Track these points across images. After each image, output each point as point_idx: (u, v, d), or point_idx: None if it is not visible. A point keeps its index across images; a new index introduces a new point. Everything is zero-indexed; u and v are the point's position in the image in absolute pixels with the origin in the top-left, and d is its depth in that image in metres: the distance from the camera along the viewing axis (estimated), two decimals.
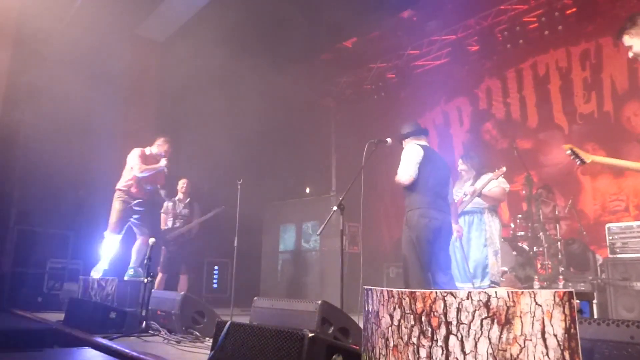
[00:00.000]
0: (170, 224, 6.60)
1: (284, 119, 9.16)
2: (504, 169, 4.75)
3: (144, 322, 3.99)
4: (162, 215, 6.67)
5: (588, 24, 7.01)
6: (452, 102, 9.11)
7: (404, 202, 4.15)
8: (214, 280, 8.85)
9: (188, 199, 6.71)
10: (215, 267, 8.93)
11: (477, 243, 4.71)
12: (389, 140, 4.22)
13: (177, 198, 6.71)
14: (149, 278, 4.17)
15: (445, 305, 1.80)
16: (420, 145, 4.14)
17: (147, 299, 4.09)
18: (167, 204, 6.69)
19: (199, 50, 7.26)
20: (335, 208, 3.80)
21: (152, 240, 4.30)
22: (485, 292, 1.72)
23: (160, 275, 6.37)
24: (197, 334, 3.91)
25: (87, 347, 3.43)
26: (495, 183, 4.76)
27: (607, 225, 5.30)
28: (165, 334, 3.89)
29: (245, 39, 7.42)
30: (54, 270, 6.73)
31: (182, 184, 6.73)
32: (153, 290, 4.28)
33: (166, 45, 8.31)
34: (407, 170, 3.99)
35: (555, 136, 7.59)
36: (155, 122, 8.12)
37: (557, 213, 6.27)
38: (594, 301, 5.14)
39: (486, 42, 8.04)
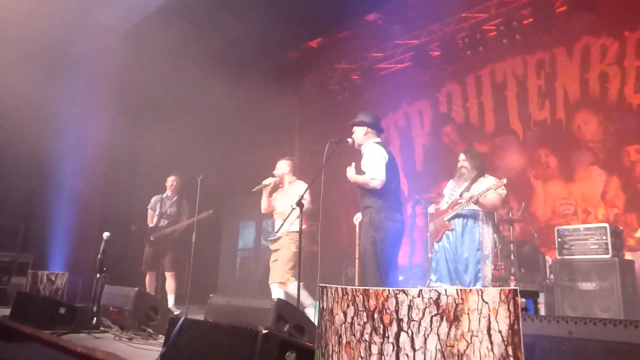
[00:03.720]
0: (155, 221, 6.45)
1: (247, 115, 9.09)
2: (505, 180, 4.55)
3: (95, 318, 3.89)
4: (149, 211, 6.51)
5: (544, 35, 7.27)
6: (413, 104, 9.27)
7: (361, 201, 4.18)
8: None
9: (176, 197, 6.54)
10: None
11: (471, 247, 4.63)
12: (349, 140, 4.26)
13: (165, 195, 6.53)
14: (102, 273, 4.08)
15: (397, 303, 1.83)
16: (383, 146, 4.18)
17: (99, 294, 3.99)
18: (154, 200, 6.51)
19: (161, 41, 7.12)
20: (294, 206, 3.81)
21: (106, 234, 4.20)
22: (435, 290, 1.77)
23: (148, 275, 6.26)
24: (151, 330, 3.85)
25: (33, 343, 3.32)
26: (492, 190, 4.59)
27: (556, 228, 5.51)
28: (117, 330, 3.82)
29: (210, 34, 7.33)
30: (1, 263, 6.47)
31: (171, 180, 6.53)
32: (105, 285, 4.18)
33: (129, 35, 8.11)
34: (380, 174, 4.00)
35: (510, 141, 7.84)
36: (115, 113, 7.92)
37: (511, 216, 6.46)
38: (542, 301, 5.35)
39: (447, 48, 8.21)
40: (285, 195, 5.27)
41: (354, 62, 9.57)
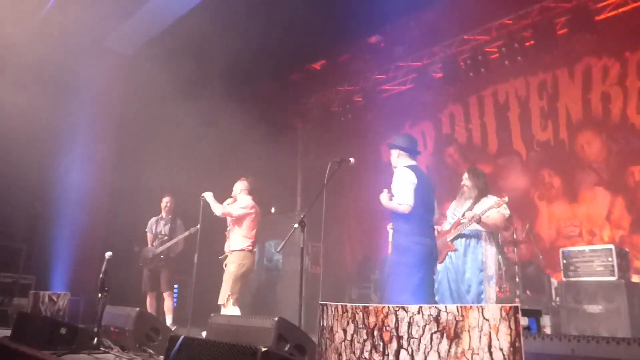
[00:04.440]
0: (151, 243, 6.52)
1: (251, 136, 9.15)
2: (507, 198, 4.56)
3: (96, 339, 3.86)
4: (148, 234, 6.59)
5: (545, 56, 7.32)
6: (416, 126, 9.31)
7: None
8: (174, 299, 8.65)
9: (170, 216, 6.60)
10: (175, 285, 8.75)
11: (473, 267, 4.58)
12: (351, 160, 4.25)
13: (160, 216, 6.61)
14: (104, 293, 4.06)
15: (397, 320, 1.82)
16: (413, 171, 4.13)
17: (100, 314, 3.97)
18: (151, 222, 6.60)
19: (166, 64, 7.23)
20: (296, 225, 3.80)
21: (108, 253, 4.19)
22: (435, 307, 1.76)
23: (148, 296, 6.30)
24: (151, 351, 3.81)
25: None
26: (495, 209, 4.57)
27: (561, 249, 5.46)
28: (118, 351, 3.78)
29: (214, 56, 7.44)
30: (3, 285, 6.45)
31: (165, 201, 6.63)
32: (107, 305, 4.16)
33: (134, 59, 8.25)
34: (406, 199, 3.98)
35: (513, 162, 7.84)
36: (119, 136, 8.00)
37: (515, 237, 6.42)
38: (548, 323, 5.27)
39: (450, 70, 8.28)
40: None
41: (357, 84, 9.66)
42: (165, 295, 6.33)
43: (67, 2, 6.70)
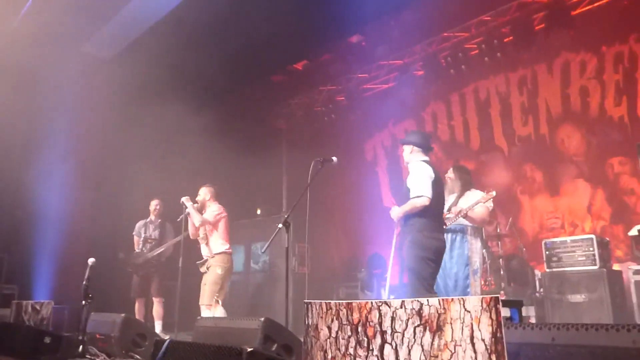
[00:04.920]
0: (140, 247, 6.43)
1: (234, 139, 9.12)
2: (494, 193, 4.59)
3: (81, 347, 3.82)
4: (135, 237, 6.50)
5: (524, 52, 7.41)
6: (399, 124, 9.36)
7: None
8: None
9: (159, 220, 6.54)
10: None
11: (460, 262, 4.62)
12: (334, 159, 4.26)
13: (148, 220, 6.53)
14: (88, 300, 4.02)
15: (380, 315, 1.83)
16: (429, 165, 4.15)
17: (84, 322, 3.92)
18: (139, 226, 6.51)
19: (146, 68, 7.17)
20: (280, 225, 3.79)
21: (91, 260, 4.15)
22: (418, 301, 1.77)
23: (137, 302, 6.24)
24: (138, 357, 3.79)
25: None
26: (481, 203, 4.60)
27: (543, 241, 5.53)
28: (104, 358, 3.75)
29: (195, 59, 7.40)
30: None
31: (154, 204, 6.57)
32: (92, 313, 4.12)
33: (113, 63, 8.16)
34: (425, 191, 3.95)
35: (496, 157, 7.92)
36: (100, 141, 7.90)
37: (498, 231, 6.49)
38: (532, 314, 5.34)
39: (431, 68, 8.34)
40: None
41: (339, 84, 9.68)
42: (156, 301, 6.26)
43: (43, 7, 6.61)
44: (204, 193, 5.73)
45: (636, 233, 5.34)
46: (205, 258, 5.55)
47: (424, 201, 3.93)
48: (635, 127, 6.56)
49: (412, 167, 4.19)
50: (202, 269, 5.53)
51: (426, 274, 3.92)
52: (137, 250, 6.43)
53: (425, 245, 3.94)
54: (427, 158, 4.28)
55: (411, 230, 4.04)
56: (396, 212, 4.20)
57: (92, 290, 4.10)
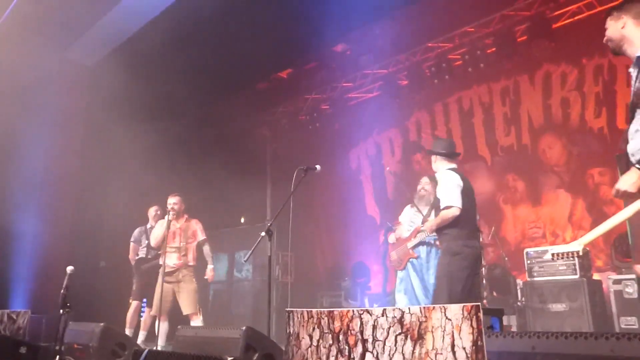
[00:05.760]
0: (143, 253, 6.31)
1: (219, 147, 9.07)
2: None
3: (58, 357, 3.73)
4: (132, 244, 6.38)
5: (507, 63, 7.52)
6: (384, 133, 9.40)
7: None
8: (141, 313, 8.45)
9: None
10: (144, 299, 8.55)
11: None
12: (318, 167, 4.25)
13: (149, 226, 6.40)
14: (66, 309, 3.94)
15: (362, 323, 1.82)
16: (458, 173, 4.10)
17: (62, 331, 3.84)
18: (138, 233, 6.39)
19: (129, 75, 7.11)
20: (263, 234, 3.77)
21: (70, 268, 4.07)
22: (399, 309, 1.76)
23: (135, 303, 6.16)
24: None
25: None
26: None
27: (525, 250, 5.58)
28: None
29: (179, 66, 7.36)
30: None
31: (153, 210, 6.45)
32: (70, 322, 4.04)
33: (95, 70, 8.08)
34: (455, 201, 3.90)
35: (479, 167, 7.99)
36: (82, 148, 7.81)
37: (481, 240, 6.52)
38: (514, 323, 5.36)
39: (415, 77, 8.41)
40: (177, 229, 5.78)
41: (324, 92, 9.71)
42: (147, 309, 6.16)
43: (25, 12, 6.53)
44: (180, 202, 5.77)
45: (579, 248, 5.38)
46: (173, 267, 5.61)
47: (455, 212, 3.87)
48: (615, 139, 6.66)
49: (440, 177, 4.15)
50: (170, 279, 5.59)
51: (458, 283, 3.83)
52: (140, 256, 6.32)
53: (458, 254, 3.87)
54: (454, 165, 4.23)
55: (446, 239, 3.98)
56: (428, 225, 4.17)
57: (71, 299, 4.02)
